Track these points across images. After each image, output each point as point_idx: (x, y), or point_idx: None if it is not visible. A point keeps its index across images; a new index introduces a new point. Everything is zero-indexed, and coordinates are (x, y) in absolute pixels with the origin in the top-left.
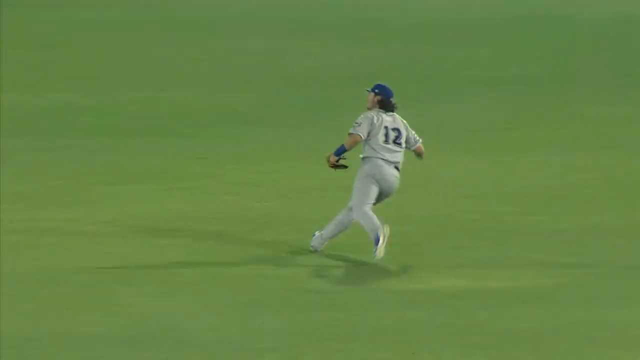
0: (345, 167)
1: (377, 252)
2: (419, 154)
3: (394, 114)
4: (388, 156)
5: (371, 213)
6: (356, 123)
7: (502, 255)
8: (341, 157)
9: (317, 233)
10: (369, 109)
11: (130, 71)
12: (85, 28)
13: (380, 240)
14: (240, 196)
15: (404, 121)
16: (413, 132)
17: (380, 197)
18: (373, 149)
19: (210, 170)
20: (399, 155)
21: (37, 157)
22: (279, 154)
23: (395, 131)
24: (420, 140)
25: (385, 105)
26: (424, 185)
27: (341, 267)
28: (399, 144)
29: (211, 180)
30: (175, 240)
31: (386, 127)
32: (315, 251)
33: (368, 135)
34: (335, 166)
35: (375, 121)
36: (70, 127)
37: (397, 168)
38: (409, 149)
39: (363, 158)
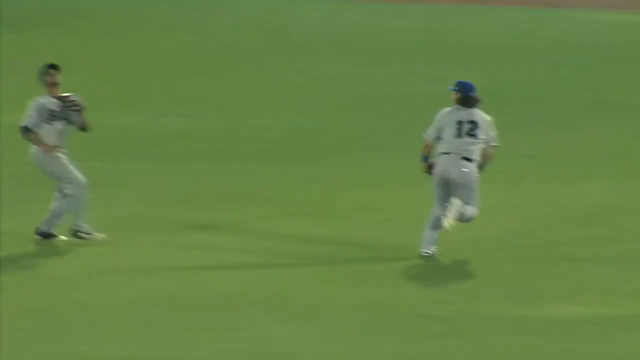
0: None
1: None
2: (484, 155)
3: (474, 109)
4: (456, 149)
5: (436, 214)
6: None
7: (621, 280)
8: (429, 162)
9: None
10: None
11: (248, 95)
12: (203, 53)
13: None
14: (354, 221)
15: (488, 118)
16: (492, 133)
17: (452, 190)
18: (442, 144)
19: (326, 195)
20: (472, 147)
21: (155, 179)
22: (398, 179)
23: (470, 124)
24: (493, 144)
25: (464, 101)
26: (546, 210)
27: (456, 293)
28: (474, 136)
29: (327, 204)
30: (290, 265)
31: (460, 122)
32: (427, 255)
33: (438, 133)
34: (429, 172)
35: (443, 117)
36: (186, 150)
37: (468, 159)
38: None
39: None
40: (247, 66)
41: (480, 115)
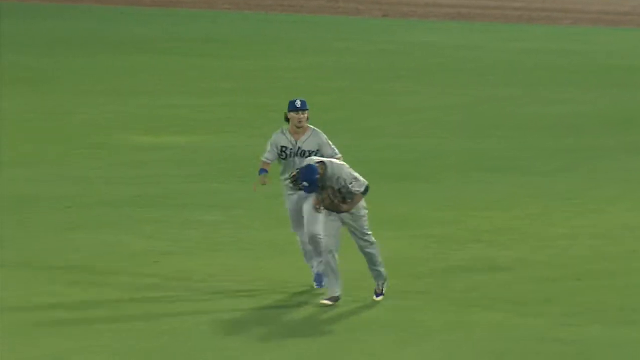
0: None
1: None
2: None
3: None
4: None
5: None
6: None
7: None
8: None
9: None
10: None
11: (376, 118)
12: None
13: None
14: (486, 244)
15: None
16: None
17: None
18: None
19: (455, 217)
20: None
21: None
22: (528, 201)
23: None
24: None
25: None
26: None
27: (586, 315)
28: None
29: (456, 226)
30: (415, 286)
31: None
32: None
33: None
34: None
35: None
36: None
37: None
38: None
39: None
40: (370, 87)
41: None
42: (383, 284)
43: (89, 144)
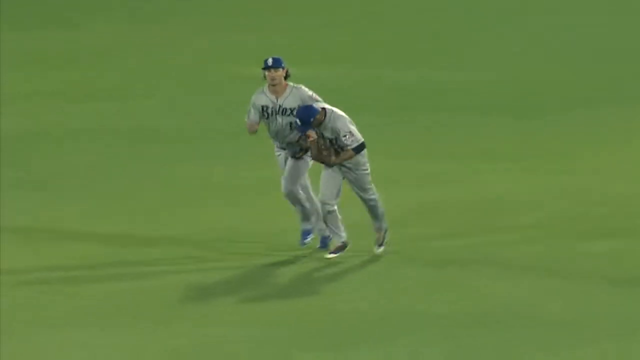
0: None
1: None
2: None
3: None
4: None
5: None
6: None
7: None
8: None
9: None
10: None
11: (473, 49)
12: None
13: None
14: (602, 176)
15: None
16: None
17: None
18: None
19: (572, 150)
20: None
21: (413, 135)
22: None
23: None
24: None
25: None
26: None
27: None
28: None
29: (574, 160)
30: (523, 220)
31: None
32: None
33: None
34: None
35: None
36: (440, 105)
37: None
38: None
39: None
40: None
41: None
42: (384, 235)
43: None
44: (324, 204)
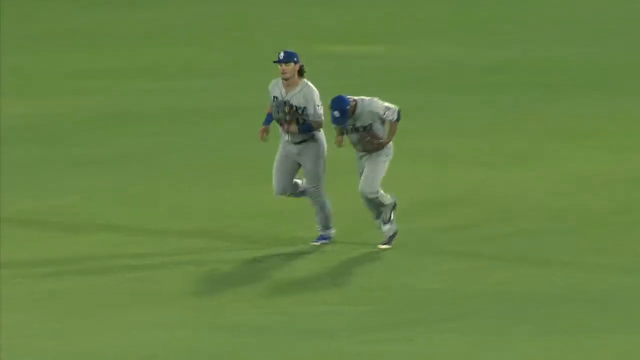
0: None
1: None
2: None
3: None
4: None
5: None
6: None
7: None
8: None
9: None
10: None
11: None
12: None
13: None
14: None
15: None
16: None
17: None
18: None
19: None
20: None
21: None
22: None
23: None
24: None
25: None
26: None
27: None
28: None
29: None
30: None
31: None
32: None
33: None
34: None
35: None
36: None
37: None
38: None
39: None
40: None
41: None
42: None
43: None
44: (370, 193)
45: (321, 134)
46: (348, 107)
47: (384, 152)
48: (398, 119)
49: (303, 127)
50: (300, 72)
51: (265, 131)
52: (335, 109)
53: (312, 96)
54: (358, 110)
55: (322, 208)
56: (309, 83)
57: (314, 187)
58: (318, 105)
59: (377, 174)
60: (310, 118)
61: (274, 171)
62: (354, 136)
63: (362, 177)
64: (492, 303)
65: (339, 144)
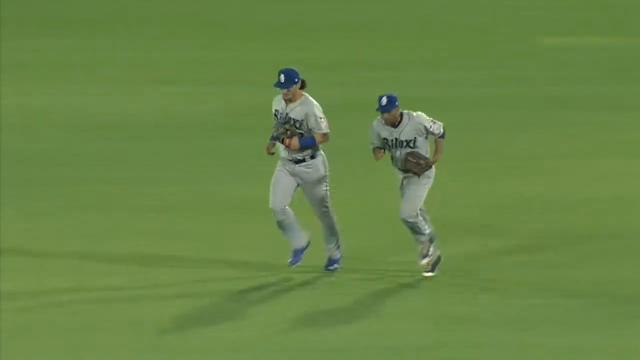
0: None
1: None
2: None
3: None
4: None
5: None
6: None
7: None
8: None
9: None
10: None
11: None
12: None
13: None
14: None
15: None
16: None
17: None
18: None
19: None
20: None
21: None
22: None
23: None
24: None
25: None
26: None
27: None
28: None
29: None
30: None
31: None
32: None
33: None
34: None
35: None
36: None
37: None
38: None
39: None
40: None
41: None
42: (427, 250)
43: None
44: (409, 217)
45: (320, 157)
46: (397, 102)
47: (426, 175)
48: (443, 136)
49: (304, 141)
50: (302, 87)
51: (272, 145)
52: (386, 95)
53: (312, 109)
54: (404, 122)
55: (331, 228)
56: (309, 97)
57: (323, 209)
58: (321, 118)
59: (418, 198)
60: (313, 131)
61: (271, 188)
62: (398, 153)
63: (403, 201)
64: None
65: (379, 158)
